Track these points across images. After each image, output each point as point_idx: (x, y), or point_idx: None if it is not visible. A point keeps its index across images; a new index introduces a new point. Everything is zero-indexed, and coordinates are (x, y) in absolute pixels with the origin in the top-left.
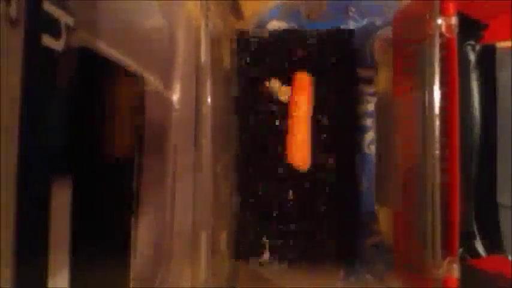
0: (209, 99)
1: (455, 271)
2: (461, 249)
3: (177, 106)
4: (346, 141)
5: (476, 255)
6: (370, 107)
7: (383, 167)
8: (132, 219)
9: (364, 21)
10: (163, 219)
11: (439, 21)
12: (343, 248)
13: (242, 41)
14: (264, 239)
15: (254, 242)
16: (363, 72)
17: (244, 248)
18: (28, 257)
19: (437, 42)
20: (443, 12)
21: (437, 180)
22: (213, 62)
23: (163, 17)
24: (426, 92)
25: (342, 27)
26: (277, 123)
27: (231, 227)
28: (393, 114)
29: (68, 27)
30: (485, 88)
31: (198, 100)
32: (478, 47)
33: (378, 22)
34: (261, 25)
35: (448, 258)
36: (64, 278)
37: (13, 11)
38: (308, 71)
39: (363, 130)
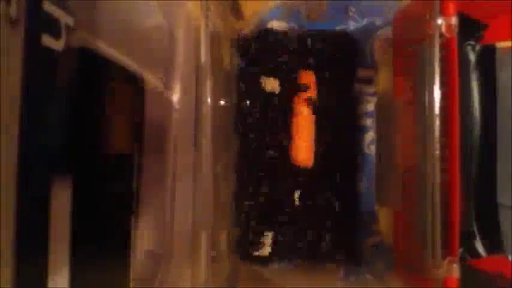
0: (209, 99)
1: (455, 271)
2: (461, 249)
3: (177, 106)
4: (345, 141)
5: (476, 255)
6: (370, 107)
7: (383, 167)
8: (132, 219)
9: (364, 21)
10: (163, 219)
11: (439, 21)
12: (343, 248)
13: (242, 41)
14: (264, 238)
15: (254, 242)
16: (363, 72)
17: (244, 248)
18: (28, 257)
19: (437, 42)
20: (443, 12)
21: (437, 180)
22: (213, 62)
23: (163, 17)
24: (426, 92)
25: (342, 27)
26: (277, 121)
27: (231, 227)
28: (393, 114)
29: (68, 27)
30: (485, 88)
31: (198, 100)
32: (478, 47)
33: (378, 22)
34: (261, 25)
35: (448, 258)
36: (64, 278)
37: (13, 11)
38: (306, 69)
39: (363, 130)
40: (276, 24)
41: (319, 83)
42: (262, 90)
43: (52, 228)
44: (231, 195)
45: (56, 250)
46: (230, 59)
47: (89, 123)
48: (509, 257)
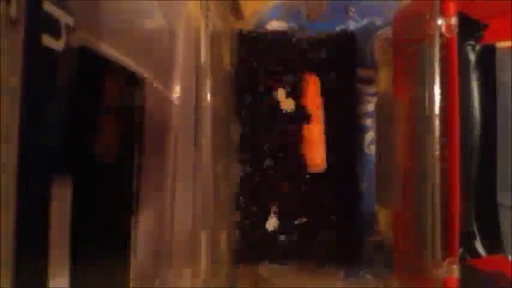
0: (209, 99)
1: (455, 271)
2: (461, 249)
3: (177, 106)
4: (346, 141)
5: (476, 255)
6: (370, 107)
7: (383, 167)
8: (132, 219)
9: (364, 21)
10: (163, 219)
11: (439, 21)
12: (343, 248)
13: (242, 41)
14: (264, 239)
15: (254, 241)
16: (363, 72)
17: (244, 248)
18: (28, 257)
19: (437, 42)
20: (443, 12)
21: (437, 180)
22: (213, 62)
23: (163, 17)
24: (426, 92)
25: (342, 27)
26: (278, 121)
27: (231, 227)
28: (393, 114)
29: (68, 27)
30: (485, 88)
31: (198, 100)
32: (478, 47)
33: (378, 22)
34: (261, 25)
35: (448, 259)
36: (64, 278)
37: (13, 11)
38: (309, 71)
39: (363, 130)
40: (276, 24)
41: (320, 82)
42: (264, 95)
43: (52, 228)
44: (231, 195)
45: (56, 250)
46: (230, 59)
47: (89, 124)
48: (509, 257)
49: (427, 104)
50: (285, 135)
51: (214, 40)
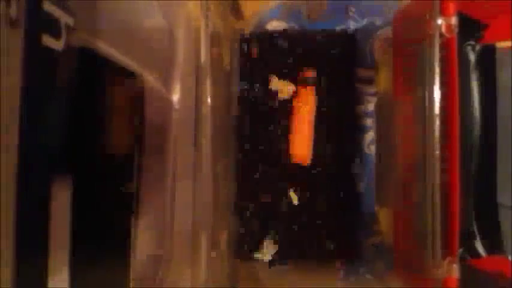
0: (209, 99)
1: (455, 271)
2: (461, 249)
3: (177, 106)
4: (345, 141)
5: (476, 255)
6: (370, 107)
7: (383, 167)
8: (132, 219)
9: (364, 21)
10: (163, 219)
11: (439, 21)
12: (343, 248)
13: (243, 41)
14: (264, 238)
15: (254, 241)
16: (363, 72)
17: (244, 248)
18: (28, 257)
19: (437, 42)
20: (443, 12)
21: (437, 180)
22: (213, 62)
23: (163, 17)
24: (426, 92)
25: (342, 27)
26: (278, 121)
27: (231, 227)
28: (393, 114)
29: (68, 27)
30: (485, 88)
31: (198, 100)
32: (478, 47)
33: (378, 22)
34: (261, 25)
35: (448, 258)
36: (64, 278)
37: (13, 11)
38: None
39: (363, 130)
40: (276, 24)
41: (320, 82)
42: (264, 90)
43: (52, 228)
44: (231, 195)
45: (56, 250)
46: (230, 59)
47: (89, 123)
48: (509, 257)
49: (427, 104)
50: (277, 128)
51: (214, 40)
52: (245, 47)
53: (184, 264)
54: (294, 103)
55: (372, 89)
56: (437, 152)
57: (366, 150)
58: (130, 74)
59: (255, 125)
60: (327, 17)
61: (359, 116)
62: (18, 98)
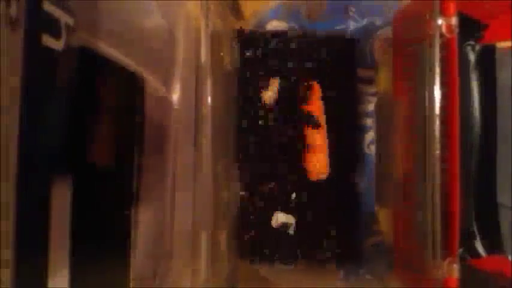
0: (209, 99)
1: (455, 271)
2: (461, 249)
3: (177, 106)
4: (346, 141)
5: (476, 255)
6: (370, 107)
7: (383, 167)
8: (132, 219)
9: (364, 21)
10: (163, 219)
11: (439, 21)
12: (343, 248)
13: (243, 40)
14: (265, 238)
15: (254, 241)
16: (363, 72)
17: (244, 248)
18: (28, 257)
19: (437, 42)
20: (443, 12)
21: (437, 180)
22: (213, 62)
23: (163, 17)
24: (426, 92)
25: (342, 27)
26: (278, 122)
27: (231, 227)
28: (393, 114)
29: (68, 27)
30: (485, 88)
31: (198, 100)
32: (478, 47)
33: (378, 22)
34: (261, 25)
35: (448, 259)
36: (64, 278)
37: (13, 11)
38: (309, 72)
39: (363, 130)
40: (276, 25)
41: (320, 83)
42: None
43: (52, 228)
44: (233, 196)
45: (56, 250)
46: (230, 59)
47: (89, 124)
48: (509, 257)
49: (427, 104)
50: (286, 140)
51: (214, 40)
52: (245, 47)
53: (184, 264)
54: (309, 115)
55: (372, 89)
56: (437, 152)
57: (366, 150)
58: (131, 74)
59: (255, 126)
60: (327, 17)
61: (359, 116)
62: (18, 98)
